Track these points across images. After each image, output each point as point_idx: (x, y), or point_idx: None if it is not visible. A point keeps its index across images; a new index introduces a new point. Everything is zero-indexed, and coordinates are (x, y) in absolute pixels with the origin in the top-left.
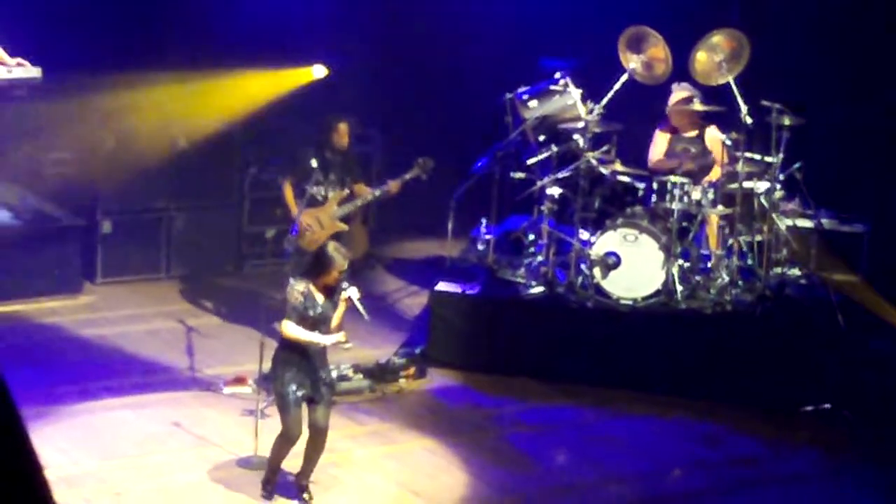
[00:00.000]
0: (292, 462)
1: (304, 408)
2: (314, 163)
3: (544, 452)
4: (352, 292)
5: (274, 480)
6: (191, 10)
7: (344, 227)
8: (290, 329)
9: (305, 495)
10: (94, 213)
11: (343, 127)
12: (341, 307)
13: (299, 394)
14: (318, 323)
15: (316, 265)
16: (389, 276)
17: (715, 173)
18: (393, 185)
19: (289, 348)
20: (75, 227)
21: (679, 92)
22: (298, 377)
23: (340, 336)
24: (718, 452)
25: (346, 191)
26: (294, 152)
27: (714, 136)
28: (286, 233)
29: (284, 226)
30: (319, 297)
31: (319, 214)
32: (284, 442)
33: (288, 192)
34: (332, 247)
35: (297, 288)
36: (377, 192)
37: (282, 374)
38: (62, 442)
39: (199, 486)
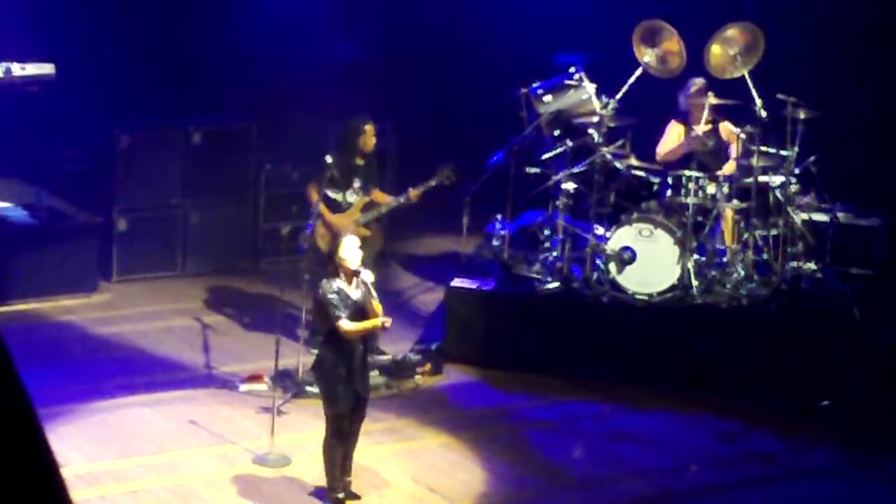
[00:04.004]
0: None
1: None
2: (335, 170)
3: (560, 448)
4: (365, 275)
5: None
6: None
7: (367, 232)
8: (347, 326)
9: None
10: (110, 211)
11: (370, 128)
12: (371, 290)
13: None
14: (357, 314)
15: (329, 255)
16: (405, 273)
17: (730, 167)
18: (413, 193)
19: (334, 352)
20: (91, 225)
21: (696, 84)
22: (345, 379)
23: (385, 320)
24: (735, 448)
25: (370, 197)
26: (319, 157)
27: (729, 130)
28: (301, 229)
29: (300, 222)
30: (351, 289)
31: (343, 220)
32: (337, 441)
33: (314, 198)
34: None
35: (330, 288)
36: (401, 200)
37: (331, 378)
38: (79, 440)
39: (215, 483)
